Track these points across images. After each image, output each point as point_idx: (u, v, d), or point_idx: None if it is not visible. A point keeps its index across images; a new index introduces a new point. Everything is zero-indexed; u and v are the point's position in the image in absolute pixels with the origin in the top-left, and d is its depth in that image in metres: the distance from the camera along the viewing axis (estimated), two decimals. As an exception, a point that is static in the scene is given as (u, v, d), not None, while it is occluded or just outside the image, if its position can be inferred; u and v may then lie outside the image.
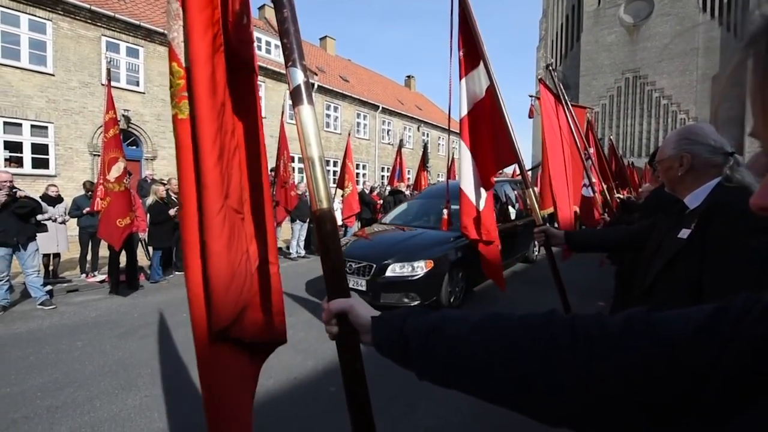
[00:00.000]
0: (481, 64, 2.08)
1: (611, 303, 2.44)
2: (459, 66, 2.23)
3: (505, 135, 1.97)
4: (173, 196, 6.40)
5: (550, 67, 3.42)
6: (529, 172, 2.38)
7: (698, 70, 26.39)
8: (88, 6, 10.65)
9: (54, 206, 5.70)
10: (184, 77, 1.03)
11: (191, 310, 1.01)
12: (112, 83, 5.76)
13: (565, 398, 0.43)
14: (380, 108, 20.82)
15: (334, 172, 14.09)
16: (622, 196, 5.63)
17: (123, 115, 10.88)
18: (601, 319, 0.46)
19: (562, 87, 3.72)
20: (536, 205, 1.92)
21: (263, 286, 1.16)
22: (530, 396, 0.46)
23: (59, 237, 5.82)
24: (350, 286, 4.74)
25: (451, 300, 4.76)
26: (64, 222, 5.91)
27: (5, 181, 4.43)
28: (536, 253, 7.74)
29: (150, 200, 6.15)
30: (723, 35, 25.85)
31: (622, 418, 0.40)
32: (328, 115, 18.34)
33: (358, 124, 20.09)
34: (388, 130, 22.06)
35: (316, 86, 17.19)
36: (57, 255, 6.11)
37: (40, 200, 5.03)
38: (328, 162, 18.47)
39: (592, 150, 4.40)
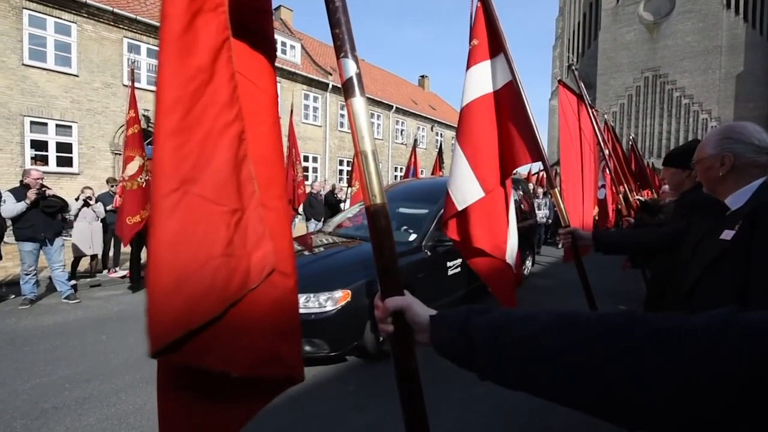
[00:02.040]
0: (499, 56, 2.03)
1: (643, 307, 2.37)
2: (468, 56, 2.16)
3: (528, 132, 1.93)
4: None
5: (573, 67, 3.35)
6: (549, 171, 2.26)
7: (721, 69, 25.64)
8: (111, 9, 10.93)
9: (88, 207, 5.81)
10: None
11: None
12: (135, 84, 5.89)
13: (651, 399, 0.42)
14: (394, 108, 20.82)
15: (348, 172, 14.19)
16: (642, 198, 5.50)
17: (143, 115, 11.12)
18: (686, 319, 0.44)
19: (583, 86, 3.65)
20: (562, 206, 1.88)
21: (269, 304, 0.93)
22: (612, 398, 0.44)
23: (94, 239, 5.89)
24: None
25: (382, 341, 3.37)
26: (103, 220, 5.97)
27: (38, 179, 4.60)
28: (527, 266, 6.59)
29: None
30: (748, 32, 25.07)
31: (709, 418, 0.39)
32: (342, 115, 18.41)
33: (372, 124, 20.13)
34: (402, 130, 22.05)
35: (330, 87, 17.29)
36: (94, 256, 6.21)
37: (65, 200, 5.13)
38: (342, 162, 18.55)
39: (607, 152, 4.31)
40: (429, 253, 4.02)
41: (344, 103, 0.70)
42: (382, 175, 0.68)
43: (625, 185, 4.32)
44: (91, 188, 6.08)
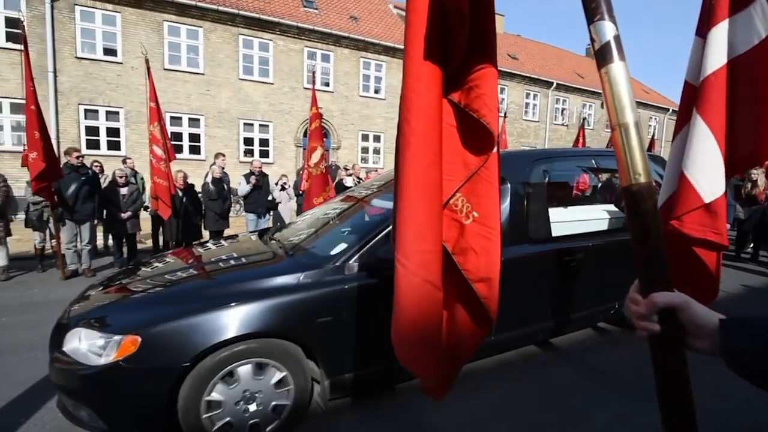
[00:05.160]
0: (750, 6, 1.53)
1: None
2: (703, 15, 1.70)
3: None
4: (355, 180, 7.32)
5: None
6: None
7: None
8: (296, 23, 12.98)
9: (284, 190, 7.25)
10: None
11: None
12: (310, 85, 6.91)
13: None
14: (554, 84, 18.68)
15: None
16: None
17: (319, 112, 12.98)
18: None
19: None
20: None
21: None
22: None
23: (287, 216, 7.32)
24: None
25: None
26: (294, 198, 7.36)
27: (258, 167, 6.21)
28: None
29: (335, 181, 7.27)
30: None
31: None
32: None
33: (527, 104, 18.57)
34: (563, 109, 19.64)
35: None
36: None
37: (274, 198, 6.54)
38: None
39: None
40: (358, 281, 2.21)
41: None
42: (645, 150, 0.58)
43: None
44: (286, 175, 7.46)
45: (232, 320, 1.92)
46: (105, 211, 5.53)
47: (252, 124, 13.09)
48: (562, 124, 19.51)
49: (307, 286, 2.12)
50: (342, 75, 14.18)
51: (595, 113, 20.60)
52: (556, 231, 2.91)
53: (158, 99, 5.52)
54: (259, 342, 1.98)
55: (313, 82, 6.87)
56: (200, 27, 11.97)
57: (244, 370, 1.97)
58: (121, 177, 5.50)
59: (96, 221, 5.67)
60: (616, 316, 3.38)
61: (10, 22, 9.76)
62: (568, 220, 3.11)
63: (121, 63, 11.14)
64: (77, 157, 5.23)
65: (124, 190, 5.51)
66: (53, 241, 5.19)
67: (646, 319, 0.58)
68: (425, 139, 1.09)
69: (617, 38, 0.59)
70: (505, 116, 13.32)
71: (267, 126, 13.29)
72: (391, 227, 2.02)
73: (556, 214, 3.00)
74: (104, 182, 5.97)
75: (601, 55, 0.59)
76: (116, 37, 11.08)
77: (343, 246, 2.37)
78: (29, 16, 9.91)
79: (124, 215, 5.40)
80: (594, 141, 19.07)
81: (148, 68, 5.56)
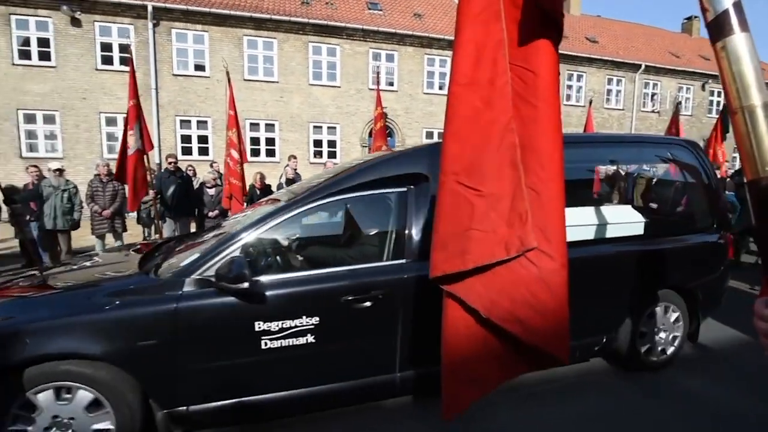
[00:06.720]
0: None
1: None
2: None
3: None
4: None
5: None
6: None
7: None
8: (361, 26, 13.29)
9: None
10: None
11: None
12: (375, 86, 7.02)
13: None
14: (642, 67, 16.73)
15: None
16: None
17: (383, 112, 13.18)
18: None
19: None
20: None
21: (526, 278, 1.13)
22: None
23: None
24: None
25: None
26: None
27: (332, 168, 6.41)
28: (669, 340, 2.94)
29: None
30: None
31: None
32: (569, 86, 16.27)
33: (609, 91, 16.89)
34: (653, 95, 17.51)
35: (556, 55, 15.50)
36: None
37: None
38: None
39: None
40: (197, 300, 1.96)
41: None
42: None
43: None
44: None
45: (38, 339, 1.77)
46: (197, 210, 6.20)
47: (321, 127, 13.71)
48: (653, 111, 17.41)
49: (131, 303, 1.92)
50: (406, 73, 14.21)
51: (694, 97, 18.04)
52: None
53: (236, 107, 6.02)
54: (69, 363, 1.80)
55: (378, 83, 7.00)
56: (275, 38, 12.82)
57: (47, 394, 1.81)
58: (212, 179, 6.13)
59: (190, 219, 6.39)
60: (602, 351, 2.78)
61: (123, 48, 11.36)
62: (602, 218, 2.55)
63: (209, 77, 12.37)
64: (173, 163, 5.94)
65: (212, 191, 6.12)
66: (157, 235, 5.96)
67: None
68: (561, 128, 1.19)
69: (738, 5, 0.49)
70: (590, 104, 12.28)
71: (334, 128, 13.82)
72: (246, 239, 1.99)
73: None
74: (197, 184, 6.70)
75: (717, 27, 0.50)
76: (204, 54, 12.34)
77: (191, 258, 2.11)
78: (137, 42, 11.46)
79: (212, 214, 6.00)
80: (693, 129, 16.80)
81: (229, 80, 6.10)
